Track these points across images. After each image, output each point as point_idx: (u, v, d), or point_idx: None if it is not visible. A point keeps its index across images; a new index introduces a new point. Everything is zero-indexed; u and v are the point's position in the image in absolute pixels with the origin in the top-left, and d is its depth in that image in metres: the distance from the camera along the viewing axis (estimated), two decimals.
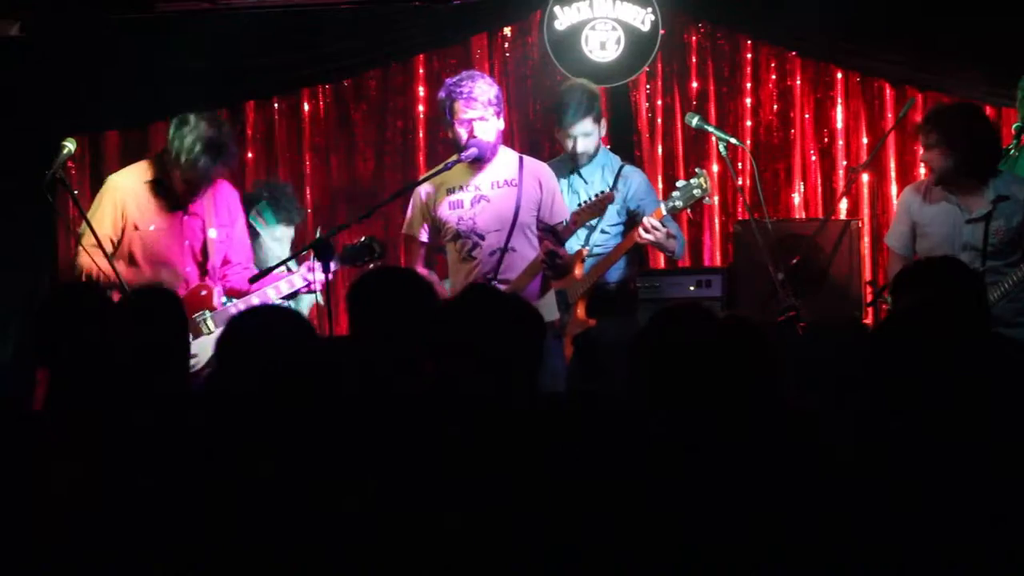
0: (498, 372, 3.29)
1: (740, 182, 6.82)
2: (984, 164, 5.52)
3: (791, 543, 2.76)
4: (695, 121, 6.00)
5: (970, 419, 2.87)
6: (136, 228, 5.55)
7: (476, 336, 3.33)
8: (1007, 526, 2.74)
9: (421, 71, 7.41)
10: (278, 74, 7.38)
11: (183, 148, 5.42)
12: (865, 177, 7.10)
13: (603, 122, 6.15)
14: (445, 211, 5.57)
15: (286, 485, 2.99)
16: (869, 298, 6.20)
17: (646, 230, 5.65)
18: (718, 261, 7.20)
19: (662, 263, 6.86)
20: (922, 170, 7.02)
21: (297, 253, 5.96)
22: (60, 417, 3.54)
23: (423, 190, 5.62)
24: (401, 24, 7.26)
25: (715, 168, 7.22)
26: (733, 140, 5.98)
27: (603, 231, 5.99)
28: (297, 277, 5.60)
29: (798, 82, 7.21)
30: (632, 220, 6.02)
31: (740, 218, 6.55)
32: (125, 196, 5.57)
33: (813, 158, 7.24)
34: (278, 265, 5.85)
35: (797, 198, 7.23)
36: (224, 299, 5.68)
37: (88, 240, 5.40)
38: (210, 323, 5.45)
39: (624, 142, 7.01)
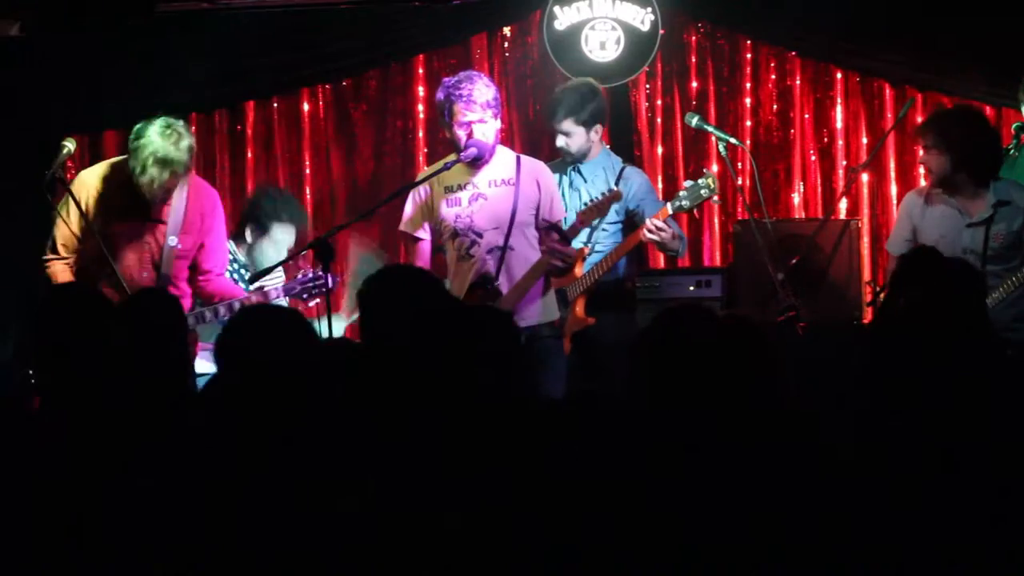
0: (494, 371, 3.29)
1: (740, 182, 6.82)
2: (983, 168, 5.51)
3: (791, 543, 2.76)
4: (695, 121, 6.00)
5: (969, 418, 2.87)
6: (96, 228, 5.46)
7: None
8: (1007, 526, 2.75)
9: (421, 71, 7.42)
10: (278, 74, 7.38)
11: (137, 161, 5.34)
12: (865, 177, 7.10)
13: (599, 127, 6.12)
14: (443, 209, 5.58)
15: (286, 485, 2.99)
16: (869, 298, 6.20)
17: (651, 230, 5.65)
18: (718, 261, 7.19)
19: (662, 263, 6.86)
20: (922, 170, 7.03)
21: (297, 253, 5.96)
22: (59, 417, 3.54)
23: (422, 188, 5.62)
24: (401, 24, 7.26)
25: (715, 168, 7.21)
26: (733, 140, 5.98)
27: (603, 229, 6.00)
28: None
29: (798, 82, 7.21)
30: (631, 220, 6.02)
31: (740, 218, 6.55)
32: (90, 194, 5.52)
33: (813, 158, 7.24)
34: (275, 267, 5.85)
35: (797, 198, 7.23)
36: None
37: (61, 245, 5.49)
38: None
39: (624, 142, 7.01)
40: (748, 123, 7.23)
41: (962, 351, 2.95)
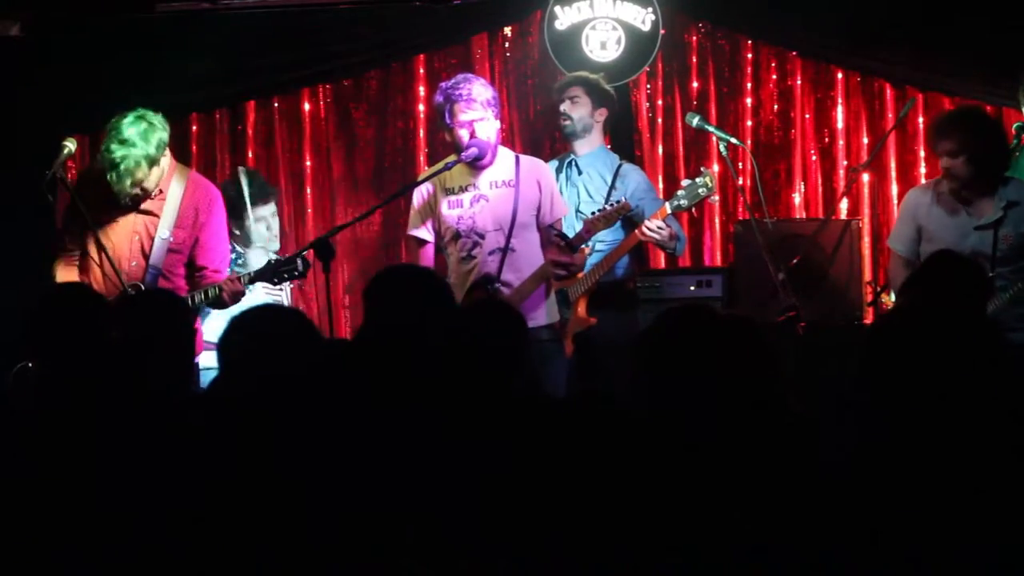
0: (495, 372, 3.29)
1: (740, 182, 6.83)
2: (998, 169, 5.48)
3: (791, 543, 2.76)
4: (695, 121, 6.00)
5: (969, 418, 2.86)
6: (88, 222, 5.52)
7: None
8: (1007, 526, 2.74)
9: (421, 71, 7.42)
10: (278, 74, 7.38)
11: (105, 153, 5.38)
12: (865, 177, 7.10)
13: (602, 111, 6.16)
14: (445, 211, 5.58)
15: (286, 485, 2.98)
16: (869, 298, 6.20)
17: (650, 229, 5.66)
18: (718, 261, 7.20)
19: (663, 262, 6.86)
20: (922, 170, 7.04)
21: (297, 253, 5.96)
22: (58, 417, 3.54)
23: (424, 189, 5.62)
24: (401, 24, 7.26)
25: (715, 168, 7.21)
26: (733, 140, 5.98)
27: None
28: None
29: (798, 82, 7.21)
30: (630, 219, 6.03)
31: (740, 218, 6.55)
32: (83, 190, 5.56)
33: (813, 158, 7.24)
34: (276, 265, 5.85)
35: (797, 198, 7.23)
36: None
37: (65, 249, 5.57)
38: None
39: (624, 142, 7.01)
40: (749, 123, 7.23)
41: (962, 351, 2.94)
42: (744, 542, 2.75)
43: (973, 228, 5.40)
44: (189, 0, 7.20)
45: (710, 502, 2.77)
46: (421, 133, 7.41)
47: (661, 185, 7.19)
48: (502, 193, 5.56)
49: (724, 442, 2.86)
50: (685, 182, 5.72)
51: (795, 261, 5.78)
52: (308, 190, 7.47)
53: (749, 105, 7.23)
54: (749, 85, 7.22)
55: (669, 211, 5.69)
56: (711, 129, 6.08)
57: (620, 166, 6.17)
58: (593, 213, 5.67)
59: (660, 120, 7.30)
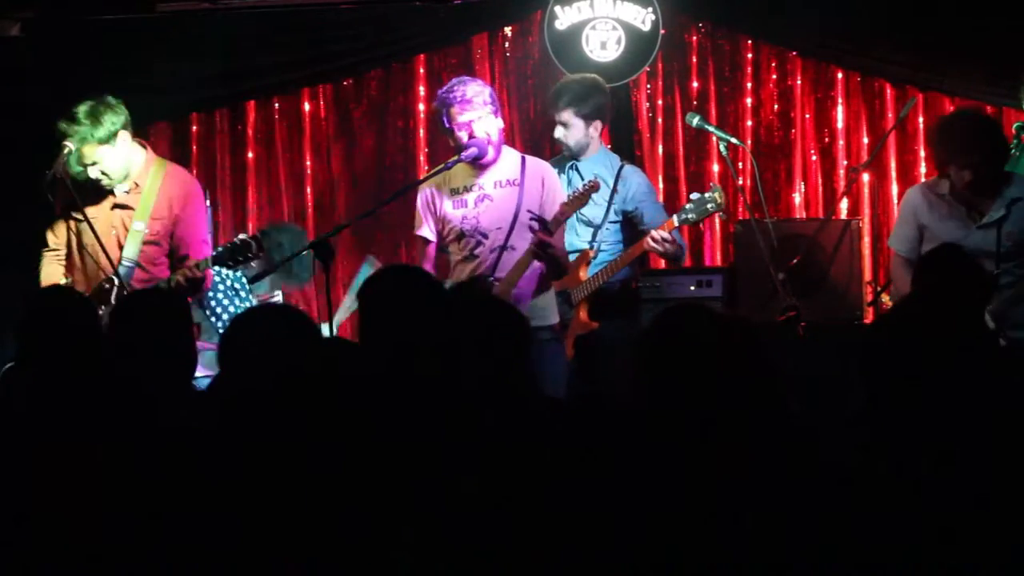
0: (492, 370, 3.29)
1: (741, 182, 6.83)
2: (1002, 169, 5.45)
3: (790, 543, 2.76)
4: (696, 121, 6.00)
5: (969, 418, 2.87)
6: (69, 220, 5.64)
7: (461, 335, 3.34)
8: (1007, 525, 2.75)
9: (422, 71, 7.42)
10: (278, 74, 7.38)
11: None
12: (866, 177, 7.10)
13: (598, 124, 6.13)
14: (449, 210, 5.59)
15: (287, 485, 2.98)
16: (869, 298, 6.20)
17: (655, 240, 5.65)
18: (719, 261, 7.20)
19: (663, 263, 6.86)
20: (923, 169, 7.04)
21: (297, 253, 5.97)
22: (59, 418, 3.54)
23: (427, 189, 5.63)
24: (402, 24, 7.27)
25: (715, 168, 7.23)
26: (734, 140, 5.98)
27: (605, 228, 6.01)
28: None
29: (799, 82, 7.21)
30: (629, 220, 6.04)
31: (741, 218, 6.54)
32: (68, 190, 5.59)
33: (814, 158, 7.24)
34: (275, 267, 5.86)
35: (798, 198, 7.23)
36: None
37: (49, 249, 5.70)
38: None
39: (624, 142, 7.01)
40: (749, 123, 7.23)
41: (961, 350, 2.95)
42: (743, 542, 2.75)
43: (976, 227, 5.36)
44: (190, 0, 7.20)
45: (709, 502, 2.77)
46: (421, 133, 7.42)
47: (661, 185, 7.20)
48: (506, 192, 5.57)
49: (722, 442, 2.86)
50: (694, 196, 5.70)
51: (795, 261, 5.78)
52: (308, 190, 7.47)
53: (749, 105, 7.23)
54: (749, 85, 7.23)
55: (676, 224, 5.69)
56: (711, 129, 6.08)
57: (621, 168, 6.16)
58: (568, 196, 5.65)
59: (660, 120, 7.30)
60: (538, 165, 5.70)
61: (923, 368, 2.95)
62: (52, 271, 5.69)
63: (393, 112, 7.46)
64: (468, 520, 2.88)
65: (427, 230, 5.63)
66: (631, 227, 6.06)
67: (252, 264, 5.85)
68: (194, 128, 7.47)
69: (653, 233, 5.68)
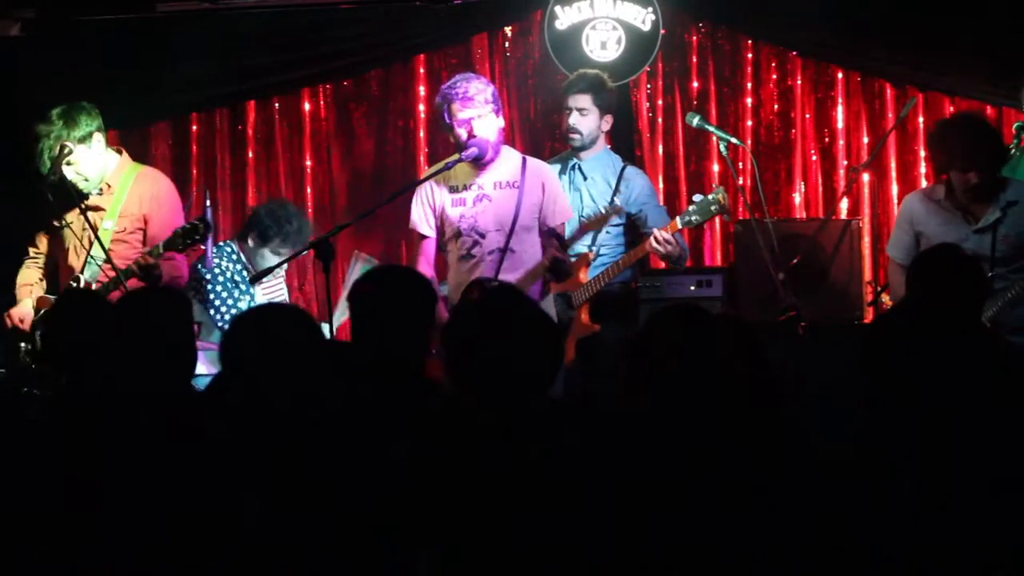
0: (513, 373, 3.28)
1: (741, 182, 6.82)
2: (999, 171, 5.44)
3: (790, 542, 2.76)
4: (696, 121, 5.99)
5: (969, 417, 2.87)
6: (52, 226, 5.76)
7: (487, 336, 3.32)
8: (1006, 524, 2.75)
9: (422, 71, 7.42)
10: (279, 73, 7.38)
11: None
12: (866, 177, 7.09)
13: (608, 118, 6.14)
14: (449, 209, 5.60)
15: (287, 485, 2.98)
16: (869, 298, 6.20)
17: (658, 242, 5.65)
18: (719, 261, 7.19)
19: (664, 264, 6.85)
20: (922, 169, 7.04)
21: (297, 253, 5.97)
22: (58, 418, 3.54)
23: (429, 187, 5.64)
24: (402, 24, 7.27)
25: (716, 168, 7.23)
26: (734, 140, 5.97)
27: (606, 232, 6.01)
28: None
29: (799, 82, 7.21)
30: (632, 223, 6.04)
31: (741, 218, 6.54)
32: (49, 195, 5.68)
33: (814, 158, 7.24)
34: (275, 267, 5.86)
35: (798, 198, 7.22)
36: None
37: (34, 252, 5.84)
38: None
39: (625, 142, 7.01)
40: (749, 123, 7.23)
41: (961, 349, 2.95)
42: (743, 542, 2.75)
43: (972, 232, 5.34)
44: (190, 0, 7.20)
45: (707, 502, 2.77)
46: (421, 133, 7.42)
47: (662, 185, 7.20)
48: (505, 193, 5.57)
49: (721, 442, 2.86)
50: (697, 198, 5.70)
51: (795, 261, 5.78)
52: (308, 190, 7.47)
53: (749, 105, 7.23)
54: (749, 85, 7.22)
55: (680, 226, 5.68)
56: (711, 129, 6.07)
57: (624, 169, 6.16)
58: (587, 218, 5.69)
59: (660, 120, 7.30)
60: (539, 168, 5.70)
61: (923, 368, 2.95)
62: (28, 275, 5.83)
63: (393, 112, 7.46)
64: (468, 520, 2.88)
65: (425, 225, 5.64)
66: (633, 229, 6.05)
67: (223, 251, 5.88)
68: (194, 128, 7.48)
69: (656, 234, 5.67)
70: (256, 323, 3.39)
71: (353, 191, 7.44)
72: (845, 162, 7.16)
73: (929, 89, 6.99)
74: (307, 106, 7.46)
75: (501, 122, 5.61)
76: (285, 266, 6.13)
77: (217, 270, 5.97)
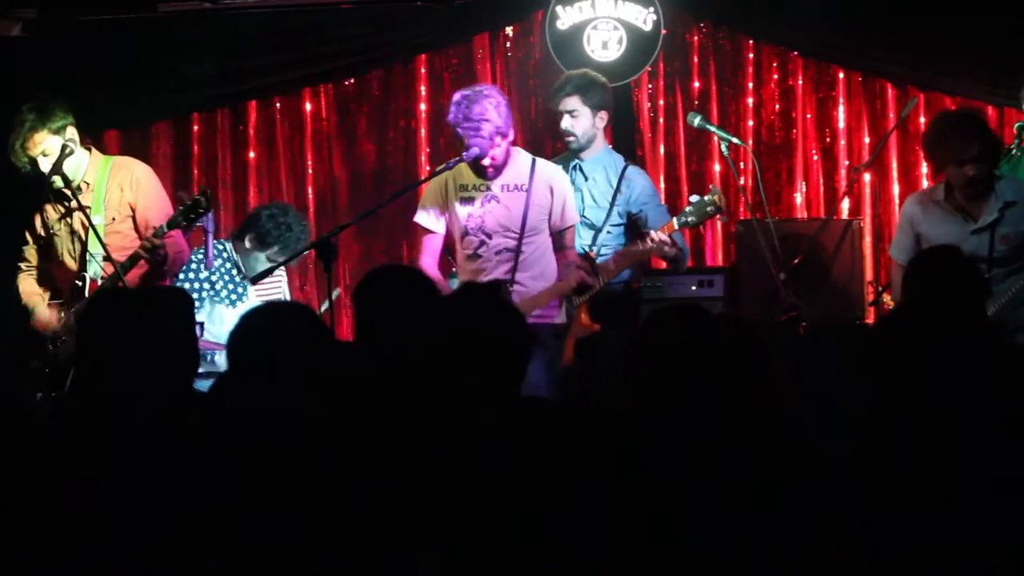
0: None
1: (742, 182, 6.82)
2: (996, 168, 5.44)
3: (790, 542, 2.76)
4: (697, 121, 5.99)
5: (970, 417, 2.86)
6: (41, 237, 5.77)
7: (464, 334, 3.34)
8: (1007, 524, 2.74)
9: (423, 71, 7.42)
10: (280, 73, 7.39)
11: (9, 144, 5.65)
12: (867, 177, 7.09)
13: (603, 115, 6.11)
14: (457, 208, 5.62)
15: (288, 485, 2.98)
16: (871, 298, 6.19)
17: (654, 242, 5.64)
18: (720, 261, 7.19)
19: (664, 263, 6.85)
20: (924, 169, 7.04)
21: (298, 253, 5.97)
22: (60, 418, 3.54)
23: (440, 184, 5.65)
24: (403, 24, 7.27)
25: (717, 168, 7.22)
26: (735, 140, 5.97)
27: (607, 231, 6.01)
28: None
29: (800, 82, 7.21)
30: (633, 222, 6.03)
31: (742, 218, 6.54)
32: (33, 209, 5.76)
33: (815, 158, 7.24)
34: (276, 267, 5.86)
35: (799, 198, 7.22)
36: None
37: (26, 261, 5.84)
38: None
39: (626, 142, 7.01)
40: (750, 123, 7.23)
41: (962, 348, 2.94)
42: (743, 542, 2.75)
43: (970, 232, 5.32)
44: (191, 0, 7.20)
45: (708, 502, 2.77)
46: (422, 132, 7.42)
47: (663, 185, 7.20)
48: (513, 196, 5.60)
49: (720, 442, 2.86)
50: (693, 199, 5.70)
51: (796, 261, 5.77)
52: (309, 190, 7.47)
53: (750, 105, 7.23)
54: (750, 85, 7.22)
55: (676, 227, 5.68)
56: (712, 129, 6.07)
57: (625, 168, 6.15)
58: (620, 249, 5.75)
59: (662, 120, 7.30)
60: (548, 171, 5.71)
61: (923, 367, 2.94)
62: (32, 284, 5.82)
63: (394, 112, 7.46)
64: (468, 519, 2.88)
65: (430, 219, 5.65)
66: (633, 229, 6.05)
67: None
68: (195, 128, 7.48)
69: (652, 234, 5.66)
70: (263, 320, 3.38)
71: (354, 191, 7.44)
72: (846, 162, 7.16)
73: (930, 89, 6.99)
74: (308, 106, 7.46)
75: (510, 135, 5.62)
76: (284, 267, 6.12)
77: (217, 262, 5.99)
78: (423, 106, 7.40)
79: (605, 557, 2.74)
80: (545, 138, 7.22)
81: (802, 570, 2.75)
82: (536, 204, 5.58)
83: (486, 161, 5.53)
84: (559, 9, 7.02)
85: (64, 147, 5.57)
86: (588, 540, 2.74)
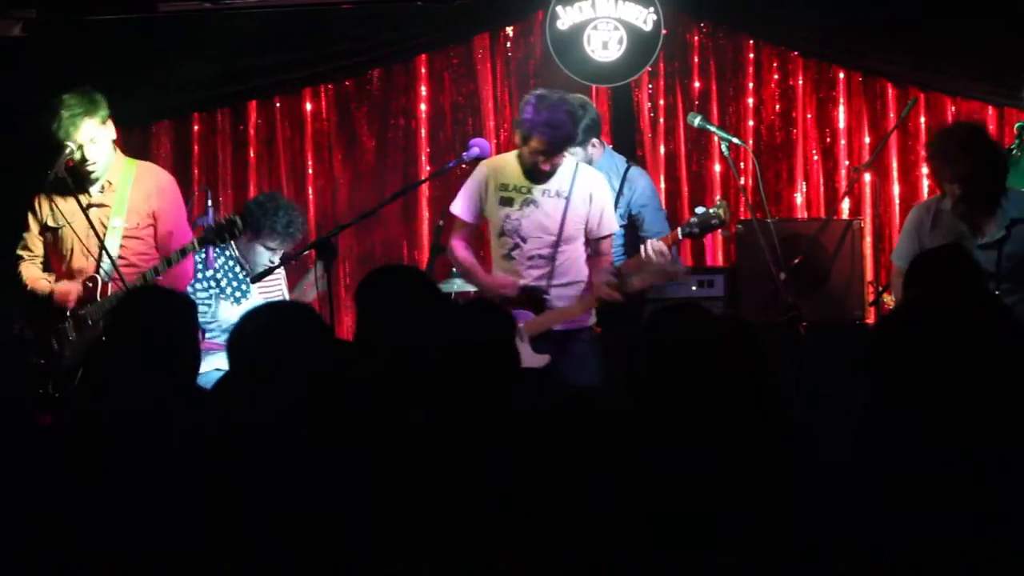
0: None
1: (742, 182, 6.82)
2: (1001, 185, 5.27)
3: (790, 542, 2.76)
4: (697, 121, 5.99)
5: (971, 416, 2.86)
6: (48, 227, 5.65)
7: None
8: (1008, 524, 2.74)
9: (423, 71, 7.42)
10: (280, 73, 7.39)
11: (48, 130, 5.53)
12: (867, 177, 7.10)
13: (594, 140, 6.06)
14: (495, 206, 5.62)
15: (289, 485, 2.99)
16: (871, 298, 6.19)
17: (655, 251, 5.61)
18: (720, 261, 7.20)
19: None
20: (924, 169, 7.04)
21: (298, 253, 5.98)
22: (63, 416, 3.54)
23: (479, 178, 5.64)
24: (403, 24, 7.27)
25: (717, 168, 7.23)
26: (735, 140, 5.97)
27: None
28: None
29: (800, 82, 7.21)
30: (632, 223, 6.04)
31: (742, 218, 6.54)
32: (41, 196, 5.65)
33: (815, 158, 7.24)
34: (276, 267, 5.87)
35: (799, 198, 7.23)
36: None
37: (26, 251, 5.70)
38: (94, 316, 5.47)
39: (627, 142, 7.02)
40: (750, 123, 7.23)
41: (962, 348, 2.94)
42: (743, 542, 2.75)
43: (977, 247, 5.19)
44: (191, 0, 7.21)
45: (708, 502, 2.77)
46: (423, 132, 7.42)
47: (663, 185, 7.21)
48: (553, 203, 5.60)
49: (720, 442, 2.86)
50: (699, 210, 5.67)
51: (797, 261, 5.77)
52: (309, 190, 7.48)
53: (751, 105, 7.24)
54: (751, 85, 7.23)
55: (680, 236, 5.66)
56: (713, 129, 6.07)
57: (628, 170, 6.15)
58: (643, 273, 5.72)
59: (662, 120, 7.31)
60: (589, 178, 5.69)
61: (925, 367, 2.94)
62: (35, 270, 5.69)
63: (395, 112, 7.46)
64: (468, 519, 2.88)
65: (467, 212, 5.66)
66: (631, 230, 6.05)
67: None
68: (196, 128, 7.48)
69: (652, 243, 5.63)
70: (264, 320, 3.38)
71: (354, 191, 7.44)
72: (846, 162, 7.17)
73: (930, 89, 6.99)
74: (309, 106, 7.47)
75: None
76: (283, 267, 6.13)
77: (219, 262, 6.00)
78: (423, 106, 7.41)
79: (605, 557, 2.74)
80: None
81: (802, 570, 2.75)
82: (574, 212, 5.59)
83: (546, 166, 5.53)
84: (559, 9, 7.03)
85: (65, 147, 5.54)
86: (588, 540, 2.74)
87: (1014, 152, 5.96)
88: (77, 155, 5.48)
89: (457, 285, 6.16)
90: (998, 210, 5.22)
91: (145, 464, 3.16)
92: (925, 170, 7.01)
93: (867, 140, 7.15)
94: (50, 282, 5.62)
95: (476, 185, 5.67)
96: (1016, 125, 6.12)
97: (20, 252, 5.72)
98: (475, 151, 5.57)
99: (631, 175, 6.13)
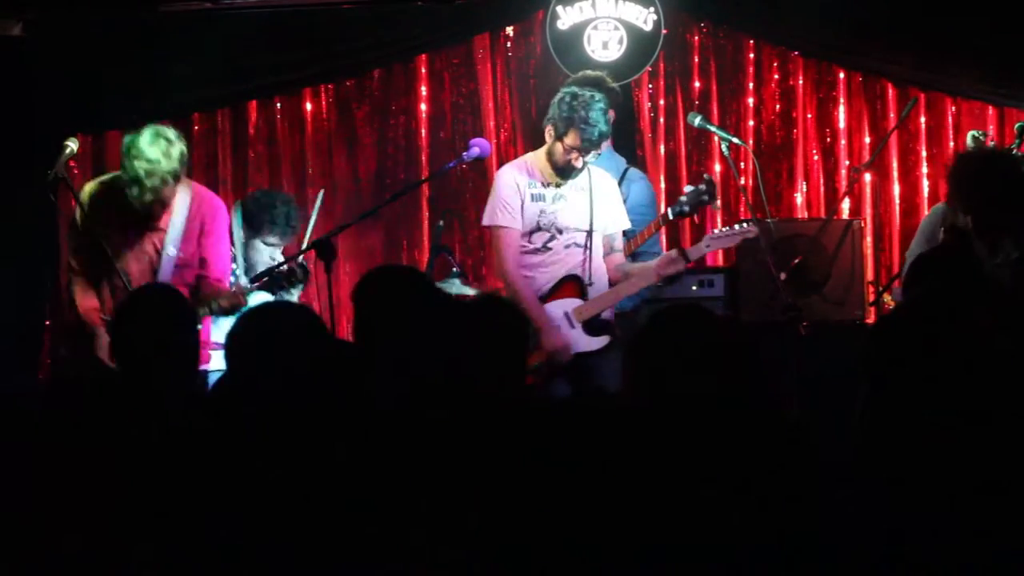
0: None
1: (742, 182, 6.83)
2: (1018, 213, 5.02)
3: (790, 542, 2.76)
4: (697, 121, 5.99)
5: (969, 416, 2.87)
6: (97, 239, 5.35)
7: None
8: (1006, 524, 2.74)
9: (423, 71, 7.42)
10: (280, 74, 7.38)
11: (128, 173, 5.25)
12: (867, 177, 7.10)
13: (611, 113, 6.10)
14: (528, 203, 5.62)
15: (290, 485, 2.99)
16: (871, 298, 6.20)
17: (668, 262, 5.59)
18: (720, 261, 7.19)
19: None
20: (924, 169, 7.05)
21: (298, 253, 5.97)
22: (63, 416, 3.54)
23: (513, 178, 5.61)
24: (403, 24, 7.27)
25: (717, 168, 7.23)
26: (735, 140, 5.97)
27: None
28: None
29: (800, 82, 7.22)
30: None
31: (742, 218, 6.54)
32: (88, 205, 5.43)
33: (815, 158, 7.24)
34: (277, 266, 5.86)
35: (799, 198, 7.23)
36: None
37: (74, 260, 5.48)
38: None
39: (627, 142, 7.02)
40: (751, 123, 7.24)
41: (962, 348, 2.95)
42: (742, 542, 2.75)
43: (993, 263, 5.01)
44: (191, 0, 7.21)
45: (708, 502, 2.77)
46: (423, 132, 7.42)
47: (663, 185, 7.21)
48: (580, 196, 5.63)
49: (719, 442, 2.86)
50: (688, 188, 5.69)
51: (797, 261, 5.78)
52: (310, 190, 7.47)
53: (751, 105, 7.24)
54: (751, 85, 7.24)
55: (671, 216, 5.64)
56: (713, 129, 6.07)
57: (626, 171, 6.16)
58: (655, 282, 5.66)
59: (662, 120, 7.31)
60: (602, 176, 5.76)
61: (925, 367, 2.95)
62: (87, 297, 5.44)
63: (395, 112, 7.46)
64: (468, 519, 2.88)
65: (510, 219, 5.63)
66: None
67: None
68: (196, 128, 7.47)
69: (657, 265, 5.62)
70: (261, 320, 3.38)
71: (355, 190, 7.44)
72: (847, 162, 7.17)
73: (930, 89, 7.00)
74: (309, 106, 7.46)
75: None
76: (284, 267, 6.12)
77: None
78: (423, 106, 7.41)
79: (605, 557, 2.74)
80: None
81: (802, 570, 2.75)
82: (599, 205, 5.62)
83: (578, 162, 5.54)
84: (559, 9, 7.03)
85: (65, 147, 5.46)
86: (588, 540, 2.74)
87: (1014, 152, 5.96)
88: (135, 191, 5.24)
89: (456, 286, 6.16)
90: (1014, 229, 4.99)
91: (145, 464, 3.16)
92: (925, 170, 7.02)
93: (867, 140, 7.15)
94: (100, 314, 5.38)
95: (512, 192, 5.65)
96: (1016, 125, 6.12)
97: (72, 267, 5.52)
98: (475, 151, 5.57)
99: (629, 175, 6.14)
